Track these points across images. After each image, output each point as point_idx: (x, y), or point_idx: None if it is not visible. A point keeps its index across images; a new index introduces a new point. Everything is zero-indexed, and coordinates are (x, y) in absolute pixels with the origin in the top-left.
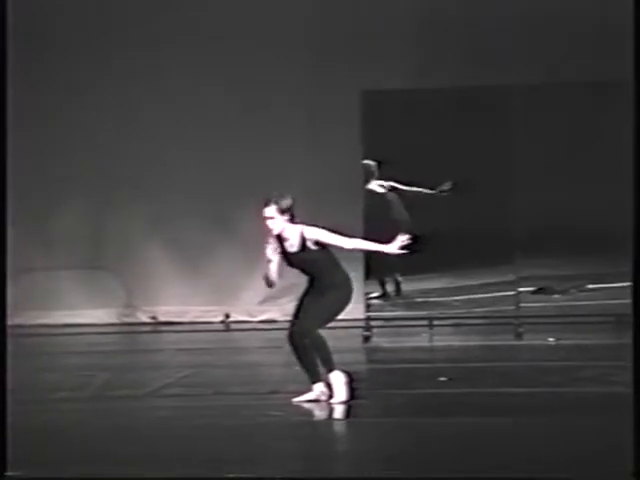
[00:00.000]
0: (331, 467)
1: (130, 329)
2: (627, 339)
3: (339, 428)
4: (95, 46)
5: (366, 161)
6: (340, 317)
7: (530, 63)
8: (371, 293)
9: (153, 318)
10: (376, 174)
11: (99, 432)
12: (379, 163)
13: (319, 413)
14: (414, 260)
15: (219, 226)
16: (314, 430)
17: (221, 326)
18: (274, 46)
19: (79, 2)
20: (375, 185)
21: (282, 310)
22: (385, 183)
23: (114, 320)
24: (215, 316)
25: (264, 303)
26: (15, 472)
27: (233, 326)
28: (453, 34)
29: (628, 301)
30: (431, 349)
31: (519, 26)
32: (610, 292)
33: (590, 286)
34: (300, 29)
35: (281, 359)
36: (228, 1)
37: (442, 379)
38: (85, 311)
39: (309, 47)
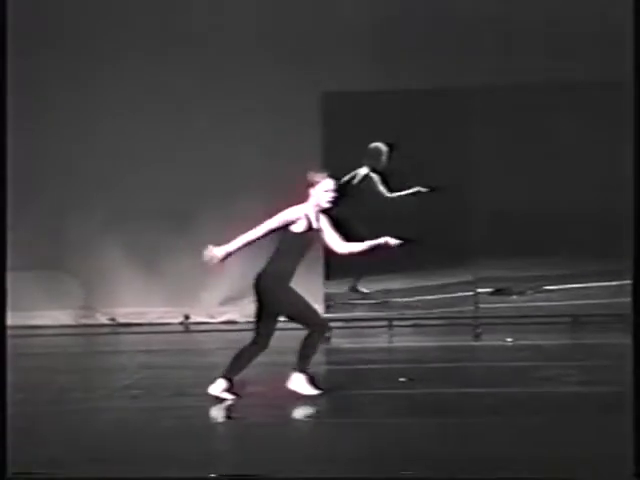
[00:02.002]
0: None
1: (88, 331)
2: (584, 339)
3: (296, 429)
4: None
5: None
6: None
7: (495, 64)
8: (331, 294)
9: (112, 319)
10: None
11: (55, 433)
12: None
13: (276, 414)
14: (374, 261)
15: (178, 227)
16: (268, 431)
17: (181, 327)
18: (237, 47)
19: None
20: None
21: (242, 311)
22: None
23: (72, 322)
24: (174, 317)
25: (224, 304)
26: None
27: (193, 327)
28: (417, 35)
29: (583, 302)
30: (390, 350)
31: (484, 27)
32: (567, 293)
33: (547, 287)
34: (262, 30)
35: None
36: (192, 4)
37: (402, 379)
38: (43, 312)
39: (270, 48)
